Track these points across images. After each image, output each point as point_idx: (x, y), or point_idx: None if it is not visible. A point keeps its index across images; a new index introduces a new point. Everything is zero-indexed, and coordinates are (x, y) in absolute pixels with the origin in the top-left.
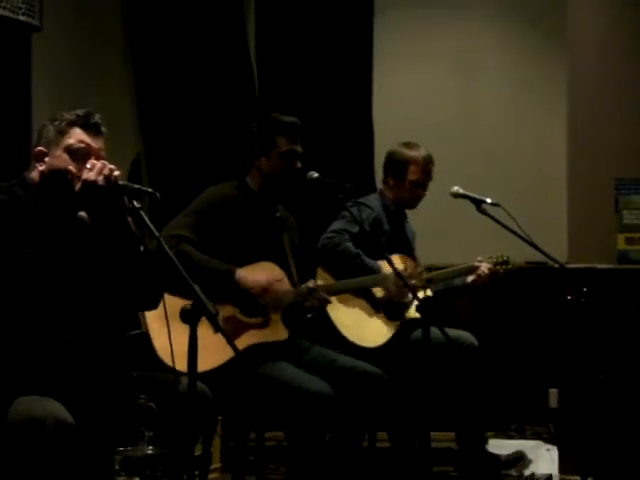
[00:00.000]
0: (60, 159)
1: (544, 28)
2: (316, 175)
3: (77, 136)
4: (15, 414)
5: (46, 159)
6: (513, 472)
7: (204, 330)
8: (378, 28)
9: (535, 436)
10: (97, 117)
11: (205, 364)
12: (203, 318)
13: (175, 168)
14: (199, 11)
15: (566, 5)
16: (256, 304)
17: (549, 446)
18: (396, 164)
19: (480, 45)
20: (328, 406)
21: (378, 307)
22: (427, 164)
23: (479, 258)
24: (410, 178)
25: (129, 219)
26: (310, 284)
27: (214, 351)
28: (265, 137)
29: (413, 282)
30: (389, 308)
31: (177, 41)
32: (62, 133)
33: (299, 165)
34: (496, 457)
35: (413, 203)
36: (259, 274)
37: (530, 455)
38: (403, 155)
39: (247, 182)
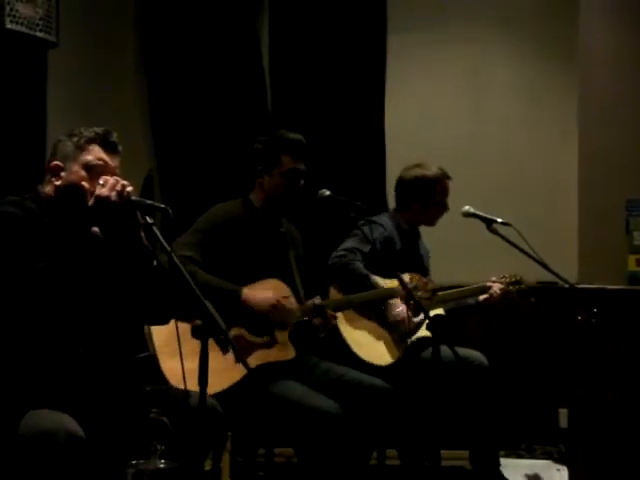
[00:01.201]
0: (77, 175)
1: (556, 49)
2: (328, 193)
3: (96, 153)
4: (27, 427)
5: (62, 174)
6: None
7: (212, 353)
8: (391, 47)
9: (545, 456)
10: (115, 136)
11: (214, 387)
12: (212, 342)
13: (188, 184)
14: (213, 27)
15: (578, 26)
16: (263, 324)
17: (559, 466)
18: (422, 188)
19: (492, 65)
20: (335, 424)
21: (390, 327)
22: (446, 179)
23: (493, 278)
24: (437, 199)
25: (142, 234)
26: (316, 300)
27: (222, 374)
28: (269, 155)
29: (419, 294)
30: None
31: (191, 57)
32: (81, 149)
33: (302, 183)
34: None
35: (436, 221)
36: (265, 292)
37: (543, 475)
38: (428, 180)
39: (251, 199)
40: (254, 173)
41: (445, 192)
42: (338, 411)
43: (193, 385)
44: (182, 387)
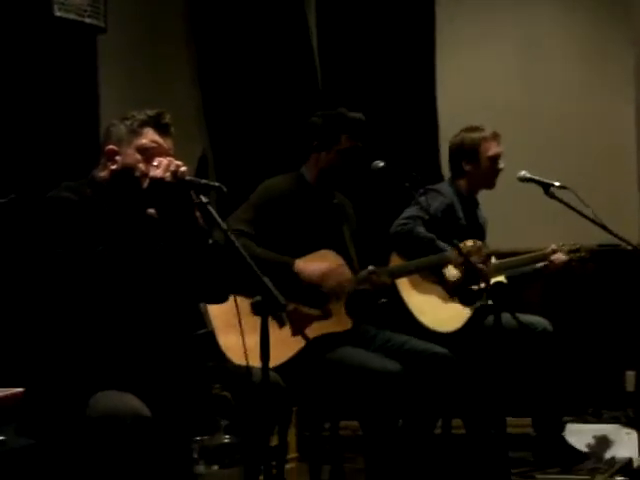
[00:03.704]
0: (132, 158)
1: (610, 11)
2: (382, 164)
3: (150, 136)
4: (94, 409)
5: (117, 158)
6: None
7: (269, 327)
8: (440, 14)
9: (613, 420)
10: (168, 117)
11: (274, 360)
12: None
13: (242, 162)
14: (262, 7)
15: None
16: (317, 295)
17: (628, 430)
18: (468, 148)
19: (545, 29)
20: (398, 383)
21: (452, 293)
22: (496, 137)
23: (553, 246)
24: (487, 155)
25: (197, 214)
26: (370, 268)
27: (281, 347)
28: (328, 132)
29: (473, 258)
30: (463, 294)
31: (240, 36)
32: (135, 133)
33: (359, 162)
34: (574, 450)
35: (493, 181)
36: (317, 262)
37: (611, 439)
38: (472, 138)
39: (303, 173)
40: (310, 147)
41: (496, 150)
42: (400, 370)
43: (253, 361)
44: (241, 363)
